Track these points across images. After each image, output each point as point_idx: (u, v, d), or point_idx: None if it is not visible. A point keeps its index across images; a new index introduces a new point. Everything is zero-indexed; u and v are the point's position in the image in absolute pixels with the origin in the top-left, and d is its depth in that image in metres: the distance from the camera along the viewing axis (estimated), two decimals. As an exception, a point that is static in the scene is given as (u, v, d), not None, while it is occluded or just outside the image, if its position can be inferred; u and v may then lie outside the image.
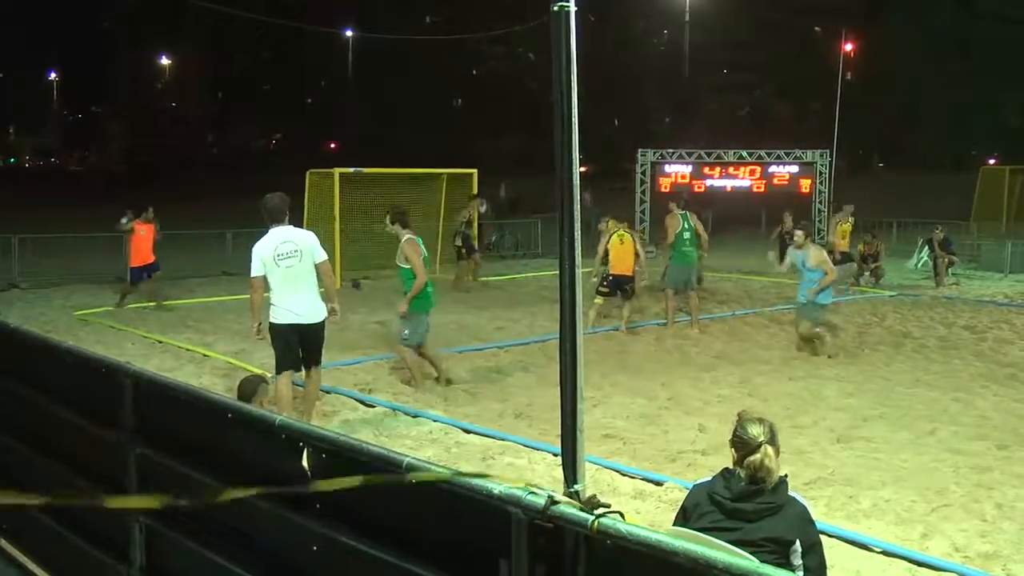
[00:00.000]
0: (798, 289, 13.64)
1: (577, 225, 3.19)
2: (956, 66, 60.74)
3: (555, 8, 3.29)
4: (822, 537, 6.28)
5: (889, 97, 61.67)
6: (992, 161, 45.85)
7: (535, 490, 2.88)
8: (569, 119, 3.14)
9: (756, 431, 4.48)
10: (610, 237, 15.06)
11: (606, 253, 14.96)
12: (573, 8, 3.31)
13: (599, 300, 15.18)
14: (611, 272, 14.98)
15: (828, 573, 4.71)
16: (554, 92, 3.22)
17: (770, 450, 4.43)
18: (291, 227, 9.26)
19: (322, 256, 9.28)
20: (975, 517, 7.42)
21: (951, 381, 12.12)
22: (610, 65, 57.17)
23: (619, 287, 15.04)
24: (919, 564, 6.47)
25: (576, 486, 3.06)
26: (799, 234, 13.53)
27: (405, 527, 3.20)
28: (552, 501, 2.84)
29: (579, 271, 3.19)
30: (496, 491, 2.91)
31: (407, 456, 3.21)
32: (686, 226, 15.29)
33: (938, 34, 60.62)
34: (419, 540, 3.14)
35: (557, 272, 3.41)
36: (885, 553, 6.64)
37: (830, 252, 19.47)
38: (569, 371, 3.13)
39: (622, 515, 2.74)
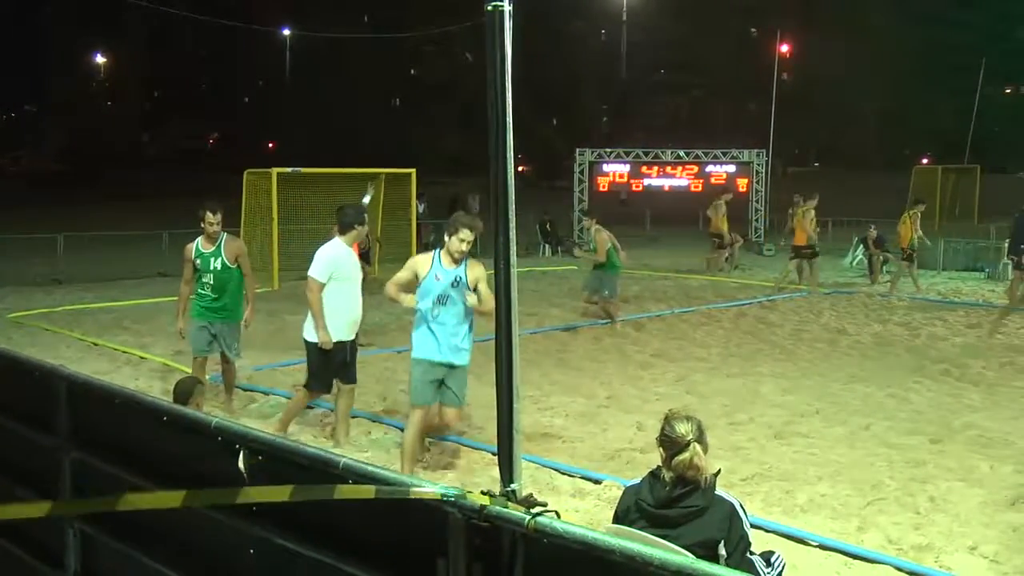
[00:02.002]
0: (430, 332, 8.23)
1: (512, 225, 3.19)
2: (891, 67, 61.65)
3: (489, 7, 3.28)
4: (760, 533, 6.40)
5: (825, 98, 62.46)
6: (925, 161, 46.58)
7: (472, 490, 2.88)
8: (503, 119, 3.14)
9: (684, 429, 4.45)
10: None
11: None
12: (508, 7, 3.30)
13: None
14: None
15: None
16: (488, 93, 3.22)
17: (699, 448, 4.41)
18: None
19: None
20: (909, 510, 7.54)
21: (886, 377, 12.29)
22: (548, 65, 57.27)
23: None
24: (854, 557, 6.58)
25: (512, 485, 3.06)
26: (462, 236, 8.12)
27: (342, 529, 3.18)
28: (489, 501, 2.84)
29: (514, 270, 3.19)
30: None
31: (344, 457, 3.20)
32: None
33: (874, 35, 61.48)
34: (357, 541, 3.13)
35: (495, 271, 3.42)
36: (821, 547, 6.73)
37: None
38: (505, 369, 3.13)
39: (557, 514, 2.75)
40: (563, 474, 8.32)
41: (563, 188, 32.32)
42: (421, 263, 8.30)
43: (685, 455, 4.38)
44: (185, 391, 7.21)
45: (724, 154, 30.56)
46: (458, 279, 8.13)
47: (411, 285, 8.26)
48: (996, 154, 50.55)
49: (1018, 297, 16.21)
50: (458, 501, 2.85)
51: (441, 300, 8.11)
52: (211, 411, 9.24)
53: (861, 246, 23.72)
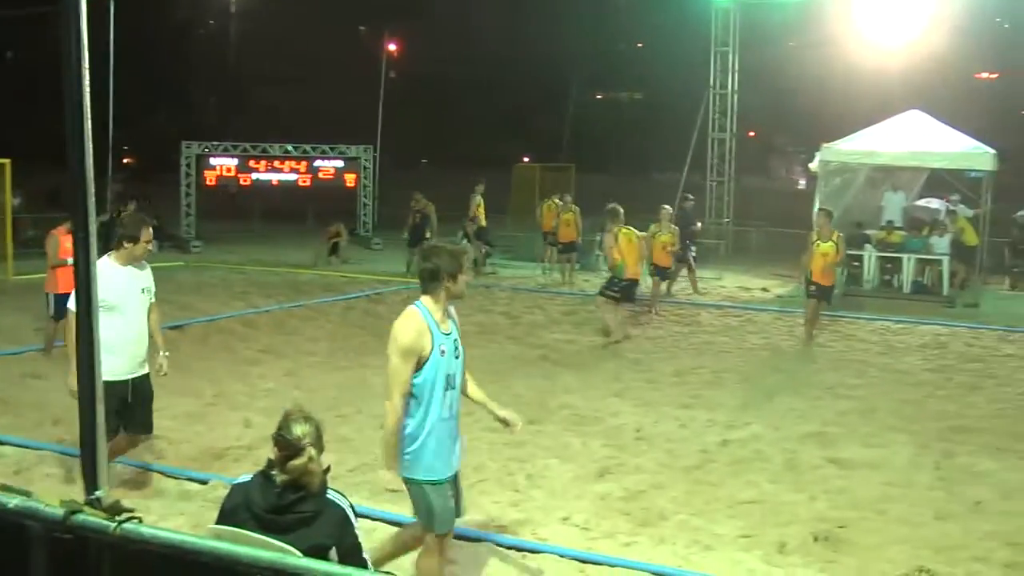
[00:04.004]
0: None
1: (92, 219, 3.05)
2: (496, 70, 64.35)
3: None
4: (367, 521, 6.50)
5: (433, 97, 64.20)
6: (526, 159, 48.91)
7: (53, 501, 2.74)
8: (80, 107, 2.99)
9: (300, 431, 4.28)
10: (617, 234, 14.63)
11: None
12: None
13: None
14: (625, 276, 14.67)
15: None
16: (64, 79, 3.06)
17: (314, 452, 4.25)
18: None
19: None
20: (508, 488, 8.01)
21: (489, 364, 12.79)
22: (156, 53, 54.97)
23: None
24: (457, 537, 6.81)
25: (97, 492, 2.93)
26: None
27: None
28: (72, 511, 2.71)
29: (94, 267, 3.05)
30: (10, 505, 2.73)
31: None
32: None
33: (477, 39, 63.93)
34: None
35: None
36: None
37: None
38: (86, 367, 2.99)
39: (140, 519, 2.67)
40: (169, 476, 8.08)
41: (172, 182, 31.06)
42: (419, 332, 5.52)
43: (300, 460, 4.22)
44: None
45: (332, 149, 30.66)
46: (456, 344, 5.74)
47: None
48: (590, 154, 54.03)
49: None
50: (37, 513, 2.70)
51: (450, 383, 5.63)
52: None
53: (464, 240, 24.52)
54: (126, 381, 7.36)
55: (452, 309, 5.83)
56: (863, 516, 7.64)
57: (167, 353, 7.82)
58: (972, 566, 6.71)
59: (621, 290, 14.52)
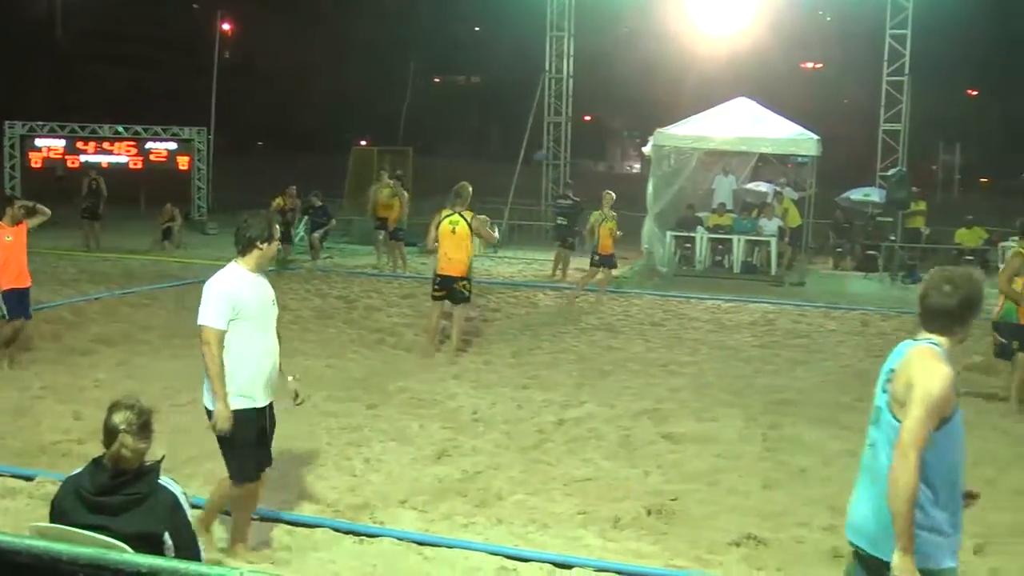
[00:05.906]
0: None
1: None
2: (339, 54, 63.86)
3: None
4: (200, 512, 6.38)
5: (271, 81, 63.27)
6: (363, 143, 48.57)
7: None
8: None
9: (118, 419, 4.33)
10: (440, 222, 12.45)
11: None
12: None
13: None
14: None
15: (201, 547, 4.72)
16: None
17: (129, 440, 4.28)
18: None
19: None
20: (346, 473, 7.98)
21: (326, 348, 12.78)
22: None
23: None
24: (294, 524, 6.81)
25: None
26: None
27: None
28: None
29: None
30: None
31: None
32: None
33: (322, 22, 63.28)
34: None
35: None
36: (262, 519, 6.85)
37: None
38: None
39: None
40: (-9, 474, 7.76)
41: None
42: (952, 384, 3.93)
43: (114, 447, 4.28)
44: None
45: (165, 131, 29.88)
46: None
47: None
48: (427, 137, 54.28)
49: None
50: None
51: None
52: None
53: (304, 222, 24.16)
54: (264, 409, 6.41)
55: None
56: (695, 488, 7.91)
57: (298, 376, 6.96)
58: (797, 531, 7.02)
59: (438, 287, 12.59)
